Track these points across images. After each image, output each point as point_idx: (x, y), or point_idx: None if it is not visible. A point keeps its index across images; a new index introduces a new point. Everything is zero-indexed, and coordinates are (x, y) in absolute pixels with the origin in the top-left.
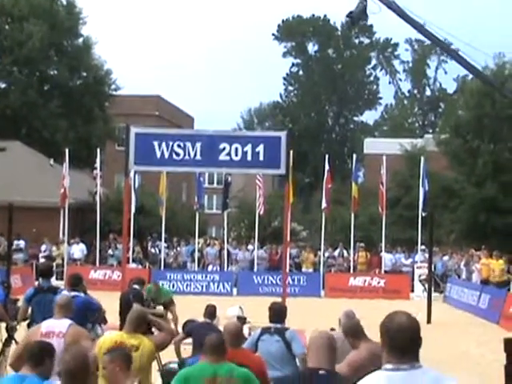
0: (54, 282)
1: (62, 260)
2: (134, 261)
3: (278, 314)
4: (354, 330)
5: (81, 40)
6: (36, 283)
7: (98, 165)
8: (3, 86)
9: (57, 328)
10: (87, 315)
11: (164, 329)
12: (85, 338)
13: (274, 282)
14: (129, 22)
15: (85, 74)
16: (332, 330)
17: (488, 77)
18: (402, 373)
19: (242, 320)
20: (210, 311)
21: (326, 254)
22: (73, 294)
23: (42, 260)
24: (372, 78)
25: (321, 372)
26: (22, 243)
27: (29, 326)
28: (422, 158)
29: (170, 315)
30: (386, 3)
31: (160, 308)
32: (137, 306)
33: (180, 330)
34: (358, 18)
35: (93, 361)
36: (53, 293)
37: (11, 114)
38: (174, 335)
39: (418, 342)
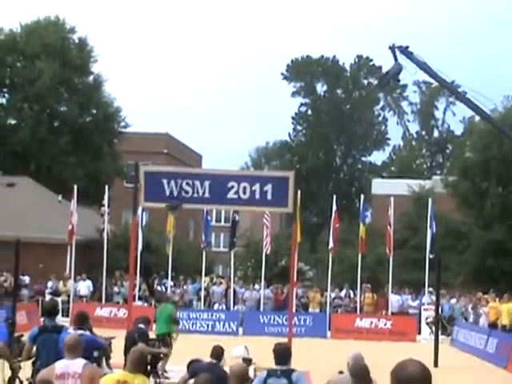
0: (59, 318)
1: (68, 296)
2: (140, 298)
3: (282, 355)
4: (359, 374)
5: (91, 77)
6: (41, 321)
7: (105, 202)
8: (13, 122)
9: (71, 369)
10: (92, 354)
11: None
12: (100, 378)
13: (280, 321)
14: (139, 60)
15: (94, 111)
16: (340, 372)
17: (495, 120)
18: None
19: (247, 361)
20: (218, 353)
21: (333, 295)
22: (79, 332)
23: (48, 296)
24: (380, 119)
25: None
26: (26, 279)
27: (33, 364)
28: (430, 200)
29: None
30: (418, 65)
31: (163, 349)
32: (141, 345)
33: (185, 368)
34: (392, 78)
35: None
36: (57, 332)
37: (21, 150)
38: None
39: None
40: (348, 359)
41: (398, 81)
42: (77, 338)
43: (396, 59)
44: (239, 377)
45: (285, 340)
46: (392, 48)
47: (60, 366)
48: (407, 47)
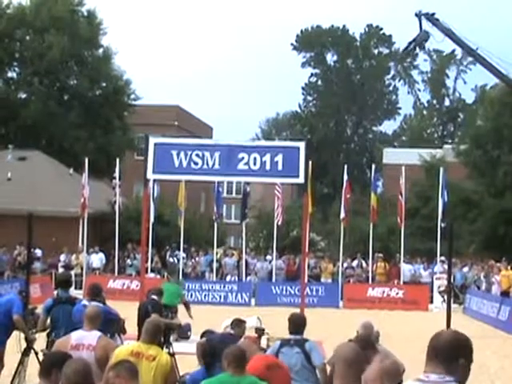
0: (72, 291)
1: (81, 269)
2: (152, 271)
3: (297, 325)
4: (363, 342)
5: (101, 50)
6: (55, 293)
7: (117, 174)
8: (24, 96)
9: (86, 340)
10: (107, 326)
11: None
12: (114, 350)
13: (293, 292)
14: (148, 33)
15: (104, 84)
16: (350, 341)
17: None
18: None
19: (260, 331)
20: (241, 327)
21: (345, 265)
22: (92, 304)
23: (61, 269)
24: (391, 89)
25: None
26: (38, 252)
27: (48, 335)
28: (442, 169)
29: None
30: (444, 32)
31: (178, 319)
32: (155, 316)
33: (197, 338)
34: (419, 45)
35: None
36: (71, 304)
37: (32, 124)
38: None
39: (455, 355)
40: (357, 329)
41: (424, 48)
42: (98, 310)
43: (421, 27)
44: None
45: (297, 310)
46: (418, 15)
47: (76, 336)
48: (433, 14)
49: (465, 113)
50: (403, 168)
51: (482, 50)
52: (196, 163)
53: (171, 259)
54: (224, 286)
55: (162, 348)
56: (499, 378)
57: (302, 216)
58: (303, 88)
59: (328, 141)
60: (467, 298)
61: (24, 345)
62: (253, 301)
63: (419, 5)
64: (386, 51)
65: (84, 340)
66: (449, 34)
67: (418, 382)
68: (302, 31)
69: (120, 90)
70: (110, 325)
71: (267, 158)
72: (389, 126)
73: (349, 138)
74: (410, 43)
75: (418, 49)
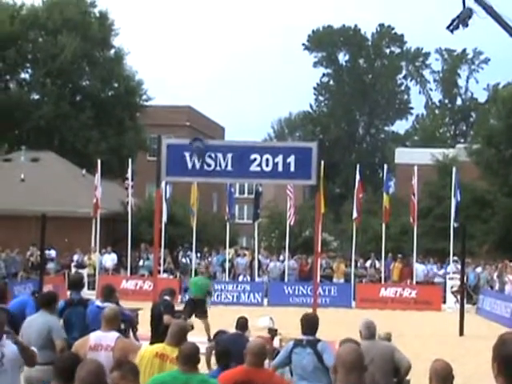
0: (85, 292)
1: (94, 270)
2: (165, 271)
3: (309, 325)
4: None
5: (112, 51)
6: (68, 294)
7: (129, 175)
8: (37, 97)
9: (104, 341)
10: (119, 326)
11: None
12: (133, 352)
13: (305, 292)
14: (160, 33)
15: (116, 84)
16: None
17: None
18: None
19: (273, 332)
20: (242, 324)
21: (358, 265)
22: (106, 304)
23: (73, 270)
24: (403, 88)
25: None
26: (52, 253)
27: None
28: (454, 168)
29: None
30: (486, 9)
31: (190, 321)
32: (168, 317)
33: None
34: (462, 23)
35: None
36: (83, 306)
37: (44, 125)
38: None
39: None
40: (360, 328)
41: (467, 25)
42: (116, 311)
43: (464, 3)
44: (256, 354)
45: (310, 310)
46: None
47: (94, 337)
48: None
49: (477, 112)
50: (415, 168)
51: None
52: (209, 165)
53: (184, 260)
54: (236, 286)
55: None
56: None
57: (315, 216)
58: (315, 88)
59: (340, 141)
60: (480, 299)
61: None
62: (265, 301)
63: (430, 4)
64: (397, 51)
65: (102, 341)
66: (490, 11)
67: None
68: (313, 31)
69: (132, 91)
70: (123, 325)
71: (279, 159)
72: (401, 126)
73: (361, 137)
74: (453, 20)
75: (461, 26)
